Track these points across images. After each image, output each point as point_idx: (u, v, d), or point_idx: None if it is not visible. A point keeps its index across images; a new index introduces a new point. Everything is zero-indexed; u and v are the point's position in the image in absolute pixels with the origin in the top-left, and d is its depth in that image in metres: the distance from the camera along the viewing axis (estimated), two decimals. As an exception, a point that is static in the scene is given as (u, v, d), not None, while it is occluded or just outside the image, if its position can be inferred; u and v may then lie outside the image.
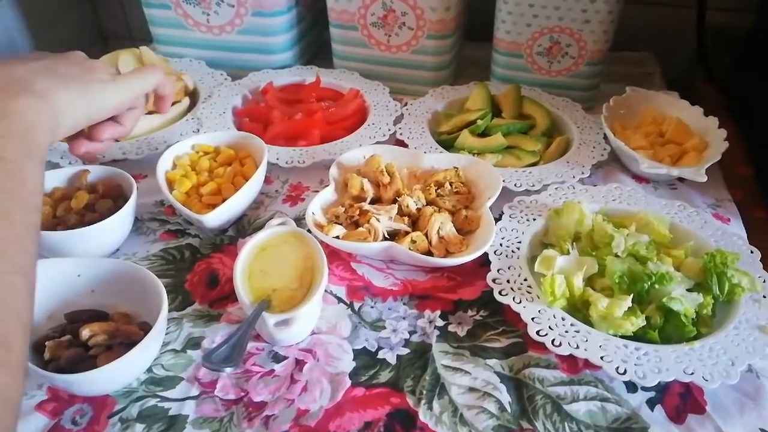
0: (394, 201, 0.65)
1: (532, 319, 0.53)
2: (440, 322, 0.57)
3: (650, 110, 0.81)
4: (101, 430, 0.47)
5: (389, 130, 0.79)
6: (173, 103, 0.84)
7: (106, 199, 0.63)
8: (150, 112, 0.81)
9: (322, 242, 0.58)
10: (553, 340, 0.51)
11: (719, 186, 0.74)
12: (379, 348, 0.54)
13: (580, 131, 0.79)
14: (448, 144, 0.78)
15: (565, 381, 0.51)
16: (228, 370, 0.48)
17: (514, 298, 0.55)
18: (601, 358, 0.50)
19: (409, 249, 0.59)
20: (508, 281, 0.57)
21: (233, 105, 0.85)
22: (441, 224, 0.62)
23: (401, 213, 0.64)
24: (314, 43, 1.05)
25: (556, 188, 0.69)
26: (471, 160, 0.70)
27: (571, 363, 0.53)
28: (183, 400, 0.49)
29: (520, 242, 0.62)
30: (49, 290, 0.53)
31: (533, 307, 0.54)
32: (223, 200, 0.64)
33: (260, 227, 0.67)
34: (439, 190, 0.66)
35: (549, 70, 0.88)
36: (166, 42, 0.98)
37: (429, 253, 0.61)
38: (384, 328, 0.56)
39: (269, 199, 0.72)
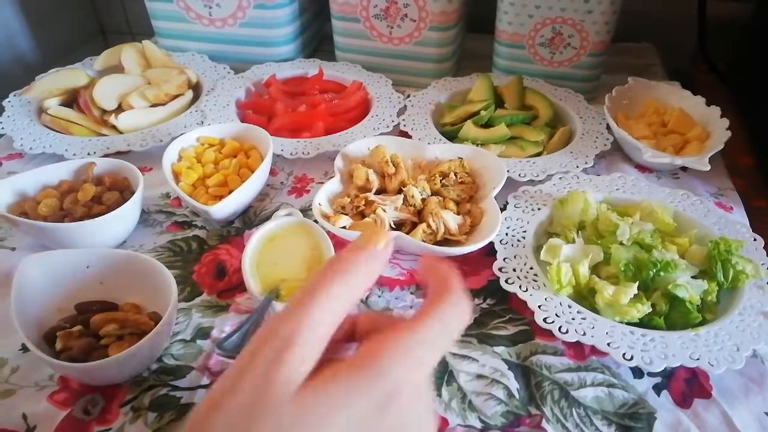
0: (399, 191, 0.65)
1: (539, 306, 0.54)
2: (447, 311, 0.57)
3: (652, 100, 0.82)
4: (113, 419, 0.48)
5: (393, 121, 0.80)
6: (176, 96, 0.84)
7: (112, 192, 0.64)
8: (154, 105, 0.82)
9: (329, 233, 0.58)
10: (560, 327, 0.52)
11: (722, 175, 0.74)
12: (387, 336, 0.55)
13: (583, 122, 0.80)
14: (451, 135, 0.78)
15: (572, 367, 0.52)
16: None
17: (520, 287, 0.56)
18: (608, 344, 0.50)
19: (422, 240, 0.60)
20: (514, 270, 0.58)
21: (236, 98, 0.86)
22: (446, 219, 0.62)
23: (406, 203, 0.64)
24: (316, 35, 1.05)
25: (560, 178, 0.69)
26: (475, 151, 0.71)
27: (577, 350, 0.53)
28: (194, 389, 0.50)
29: (525, 231, 0.62)
30: (58, 282, 0.53)
31: (539, 295, 0.55)
32: (230, 192, 0.64)
33: (266, 218, 0.67)
34: (443, 181, 0.66)
35: (551, 61, 0.88)
36: (167, 35, 0.98)
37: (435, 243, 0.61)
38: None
39: (275, 190, 0.72)
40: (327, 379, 0.25)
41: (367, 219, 0.62)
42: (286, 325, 0.25)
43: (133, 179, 0.65)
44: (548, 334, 0.52)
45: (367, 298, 0.58)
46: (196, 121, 0.80)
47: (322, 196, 0.65)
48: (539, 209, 0.65)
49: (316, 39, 1.06)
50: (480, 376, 0.51)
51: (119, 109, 0.80)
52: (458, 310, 0.28)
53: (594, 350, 0.52)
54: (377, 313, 0.33)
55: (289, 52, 0.96)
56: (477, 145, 0.74)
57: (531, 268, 0.58)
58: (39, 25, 1.12)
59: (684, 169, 0.75)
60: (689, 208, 0.65)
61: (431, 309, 0.28)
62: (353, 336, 0.32)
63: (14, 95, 0.84)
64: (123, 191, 0.65)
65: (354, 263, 0.28)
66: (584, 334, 0.51)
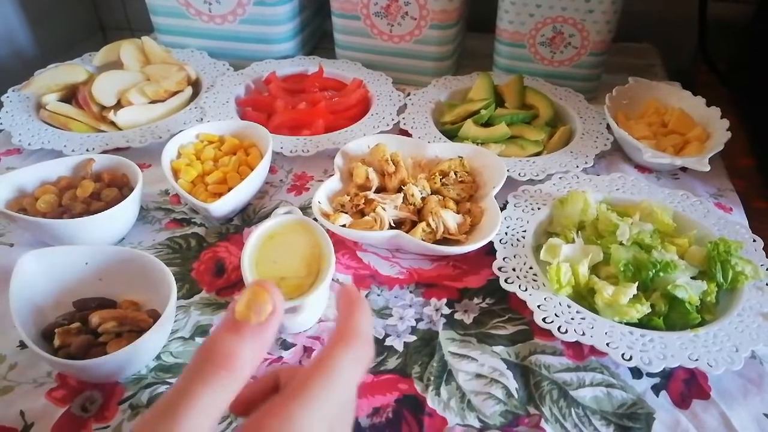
0: (399, 190, 0.65)
1: (538, 306, 0.54)
2: (446, 310, 0.57)
3: (653, 101, 0.82)
4: (112, 416, 0.47)
5: (393, 119, 0.80)
6: (175, 93, 0.84)
7: (111, 188, 0.63)
8: (153, 101, 0.82)
9: (328, 231, 0.58)
10: (559, 327, 0.52)
11: (721, 176, 0.74)
12: (387, 335, 0.55)
13: (583, 121, 0.80)
14: (451, 134, 0.78)
15: (571, 367, 0.52)
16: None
17: (520, 286, 0.56)
18: (607, 344, 0.50)
19: (422, 239, 0.60)
20: (513, 269, 0.58)
21: (236, 95, 0.85)
22: (445, 218, 0.61)
23: (406, 202, 0.64)
24: (316, 32, 1.05)
25: (560, 178, 0.69)
26: (475, 150, 0.71)
27: (576, 350, 0.53)
28: (192, 386, 0.50)
29: (525, 231, 0.62)
30: (56, 278, 0.53)
31: (539, 294, 0.55)
32: (229, 189, 0.64)
33: (265, 216, 0.67)
34: (443, 179, 0.66)
35: (552, 61, 0.88)
36: (167, 31, 0.98)
37: (435, 242, 0.61)
38: (391, 315, 0.56)
39: (274, 188, 0.72)
40: None
41: (366, 217, 0.62)
42: None
43: (132, 176, 0.65)
44: (547, 333, 0.52)
45: (366, 295, 0.58)
46: (195, 117, 0.80)
47: (321, 194, 0.65)
48: (539, 209, 0.65)
49: (316, 36, 1.06)
50: (479, 376, 0.51)
51: (118, 105, 0.80)
52: (354, 357, 0.26)
53: (593, 350, 0.52)
54: (294, 366, 0.31)
55: (289, 49, 0.96)
56: (477, 144, 0.74)
57: (530, 268, 0.58)
58: (38, 21, 1.12)
59: (684, 169, 0.75)
60: (689, 208, 0.65)
61: (324, 361, 0.26)
62: (277, 388, 0.30)
63: (13, 90, 0.84)
64: (122, 188, 0.64)
65: (231, 356, 0.24)
66: (583, 334, 0.51)
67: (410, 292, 0.59)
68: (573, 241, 0.59)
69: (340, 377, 0.26)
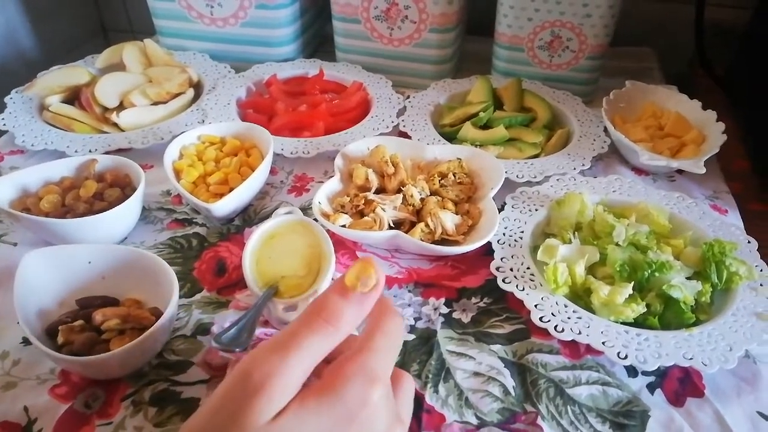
0: (398, 191, 0.66)
1: (535, 305, 0.54)
2: (445, 309, 0.58)
3: (649, 104, 0.83)
4: (114, 413, 0.48)
5: (392, 122, 0.80)
6: (177, 95, 0.84)
7: (114, 188, 0.64)
8: (155, 103, 0.82)
9: (328, 231, 0.59)
10: (556, 326, 0.52)
11: (717, 178, 0.75)
12: (386, 334, 0.55)
13: (581, 124, 0.81)
14: (450, 136, 0.79)
15: (568, 366, 0.52)
16: (237, 350, 0.48)
17: (517, 286, 0.56)
18: (603, 343, 0.51)
19: (421, 239, 0.60)
20: (511, 269, 0.58)
21: (237, 97, 0.86)
22: (443, 220, 0.62)
23: (405, 203, 0.64)
24: (317, 36, 1.06)
25: (557, 179, 0.70)
26: (474, 152, 0.71)
27: (573, 348, 0.54)
28: (194, 384, 0.50)
29: (522, 232, 0.63)
30: (60, 276, 0.54)
31: (536, 294, 0.55)
32: (230, 190, 0.65)
33: (266, 217, 0.68)
34: (442, 181, 0.67)
35: (550, 64, 0.89)
36: (169, 34, 0.98)
37: (434, 242, 0.62)
38: (390, 314, 0.57)
39: (275, 189, 0.73)
40: (296, 407, 0.27)
41: (366, 218, 0.62)
42: (261, 369, 0.27)
43: (134, 176, 0.66)
44: (544, 332, 0.53)
45: (365, 296, 0.59)
46: (197, 119, 0.81)
47: (321, 195, 0.65)
48: (536, 210, 0.66)
49: (317, 39, 1.07)
50: (477, 374, 0.52)
51: (121, 106, 0.81)
52: (396, 321, 0.32)
53: (589, 349, 0.53)
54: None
55: (289, 52, 0.97)
56: (476, 146, 0.75)
57: (528, 268, 0.58)
58: (41, 23, 1.12)
59: (680, 171, 0.76)
60: (684, 210, 0.66)
61: (374, 326, 0.31)
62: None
63: (16, 92, 0.84)
64: (124, 188, 0.65)
65: (338, 315, 0.29)
66: (580, 333, 0.52)
67: (409, 291, 0.60)
68: (570, 242, 0.60)
69: (396, 336, 0.31)
